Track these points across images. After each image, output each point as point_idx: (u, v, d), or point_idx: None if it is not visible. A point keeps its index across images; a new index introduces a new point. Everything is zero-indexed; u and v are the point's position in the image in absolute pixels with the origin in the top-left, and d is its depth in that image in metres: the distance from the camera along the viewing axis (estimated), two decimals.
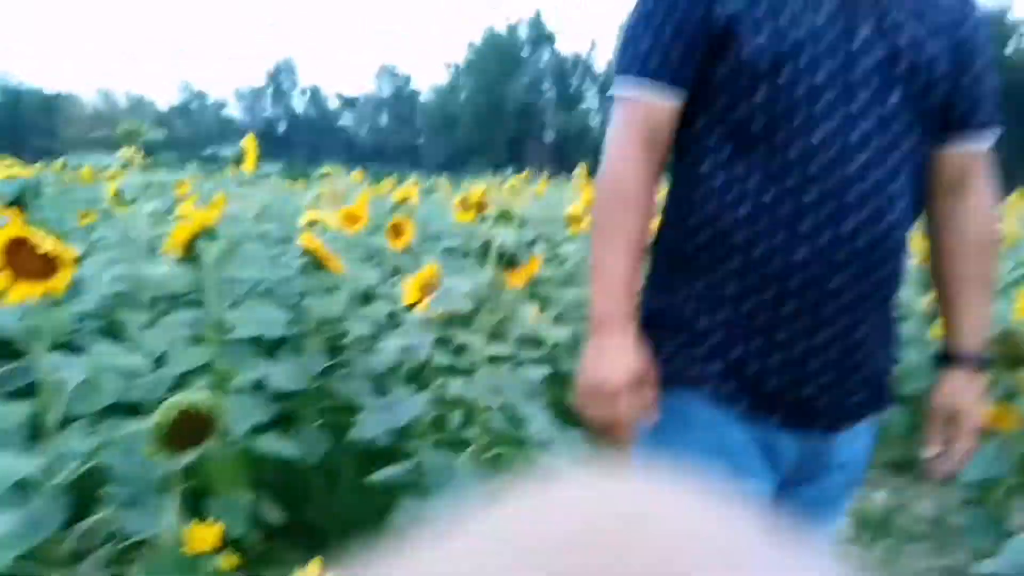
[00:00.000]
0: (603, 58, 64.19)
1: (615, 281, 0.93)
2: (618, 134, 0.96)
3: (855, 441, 1.00)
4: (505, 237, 1.26)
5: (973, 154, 1.00)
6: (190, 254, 1.37)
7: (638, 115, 0.94)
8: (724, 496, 0.14)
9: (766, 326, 0.91)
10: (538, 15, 65.65)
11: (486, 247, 1.30)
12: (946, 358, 1.04)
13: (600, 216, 0.97)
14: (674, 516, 0.13)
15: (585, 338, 0.99)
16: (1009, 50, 42.71)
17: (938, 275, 1.05)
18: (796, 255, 0.88)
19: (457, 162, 62.99)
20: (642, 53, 0.93)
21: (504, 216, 1.33)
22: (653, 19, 0.93)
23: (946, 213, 1.01)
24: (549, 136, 62.35)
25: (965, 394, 1.01)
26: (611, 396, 0.91)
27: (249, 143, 2.10)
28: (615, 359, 0.92)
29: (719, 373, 0.93)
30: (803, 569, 0.13)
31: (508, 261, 1.30)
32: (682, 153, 0.98)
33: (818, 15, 0.88)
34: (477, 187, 4.24)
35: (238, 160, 2.08)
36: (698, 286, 0.94)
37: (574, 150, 58.76)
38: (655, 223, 1.02)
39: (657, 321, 0.98)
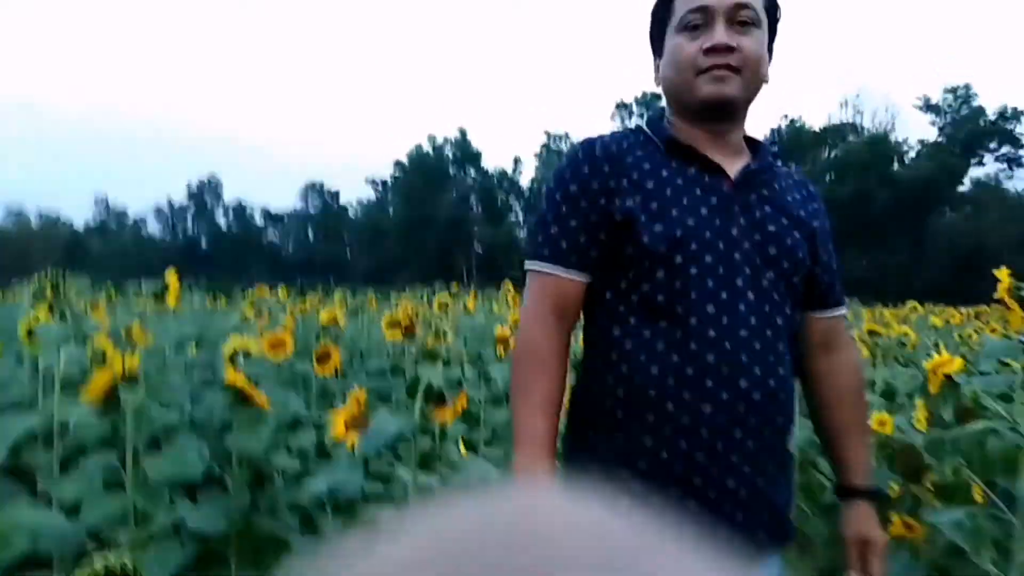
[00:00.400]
0: (527, 174, 67.08)
1: (535, 439, 1.01)
2: (531, 305, 1.08)
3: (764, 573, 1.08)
4: (432, 376, 1.29)
5: (838, 319, 1.20)
6: (109, 402, 1.34)
7: (549, 289, 1.07)
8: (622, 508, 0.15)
9: (682, 474, 1.00)
10: (463, 134, 68.52)
11: (414, 386, 1.32)
12: (845, 493, 1.18)
13: (518, 379, 1.06)
14: (560, 520, 0.14)
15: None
16: (894, 168, 46.98)
17: (823, 420, 1.20)
18: (703, 409, 0.99)
19: (385, 275, 63.25)
20: (551, 239, 1.08)
21: (431, 354, 1.37)
22: (560, 212, 1.08)
23: (820, 369, 1.18)
24: (477, 249, 63.61)
25: (869, 521, 1.14)
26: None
27: (171, 277, 2.09)
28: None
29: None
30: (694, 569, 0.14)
31: (436, 398, 1.33)
32: (595, 319, 1.10)
33: (701, 210, 1.04)
34: (405, 306, 4.28)
35: (159, 295, 2.06)
36: (618, 439, 1.03)
37: (501, 261, 60.06)
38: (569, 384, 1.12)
39: (581, 468, 1.06)
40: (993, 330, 4.60)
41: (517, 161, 68.11)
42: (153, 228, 77.57)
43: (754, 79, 1.07)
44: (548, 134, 64.59)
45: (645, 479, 1.00)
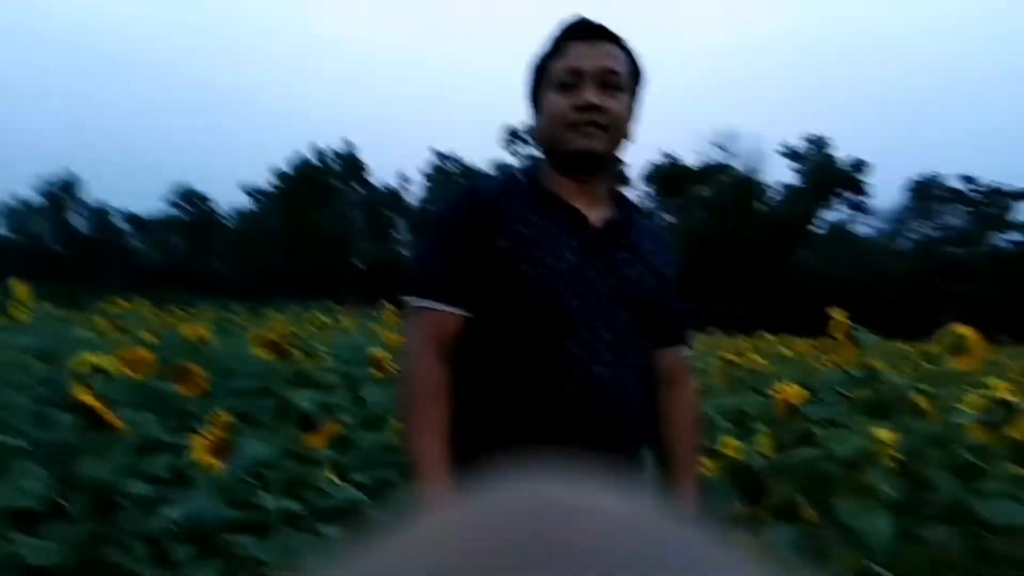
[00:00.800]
0: (414, 192, 66.60)
1: (431, 465, 1.10)
2: (414, 338, 1.17)
3: None
4: (304, 400, 1.28)
5: (683, 357, 1.33)
6: None
7: (430, 323, 1.16)
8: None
9: None
10: (349, 146, 67.26)
11: (284, 410, 1.30)
12: None
13: (409, 411, 1.14)
14: (608, 510, 0.15)
15: (391, 489, 1.05)
16: (759, 208, 50.60)
17: (659, 454, 1.31)
18: (569, 433, 1.11)
19: (260, 289, 60.55)
20: (432, 276, 1.18)
21: (304, 378, 1.35)
22: (440, 250, 1.19)
23: (661, 404, 1.30)
24: (358, 266, 62.32)
25: None
26: None
27: (18, 287, 1.94)
28: None
29: None
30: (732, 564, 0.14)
31: (307, 423, 1.31)
32: (473, 349, 1.18)
33: (565, 254, 1.16)
34: (279, 323, 4.15)
35: (2, 307, 1.90)
36: (498, 455, 1.11)
37: (384, 279, 59.14)
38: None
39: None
40: (832, 360, 5.05)
41: (405, 179, 67.50)
42: None
43: (619, 137, 1.20)
44: (437, 153, 64.59)
45: None
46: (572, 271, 1.14)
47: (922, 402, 2.58)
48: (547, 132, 1.21)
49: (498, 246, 1.14)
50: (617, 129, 1.19)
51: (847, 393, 2.14)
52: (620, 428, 1.14)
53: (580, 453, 1.10)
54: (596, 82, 1.16)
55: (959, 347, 2.60)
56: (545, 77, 1.21)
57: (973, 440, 2.10)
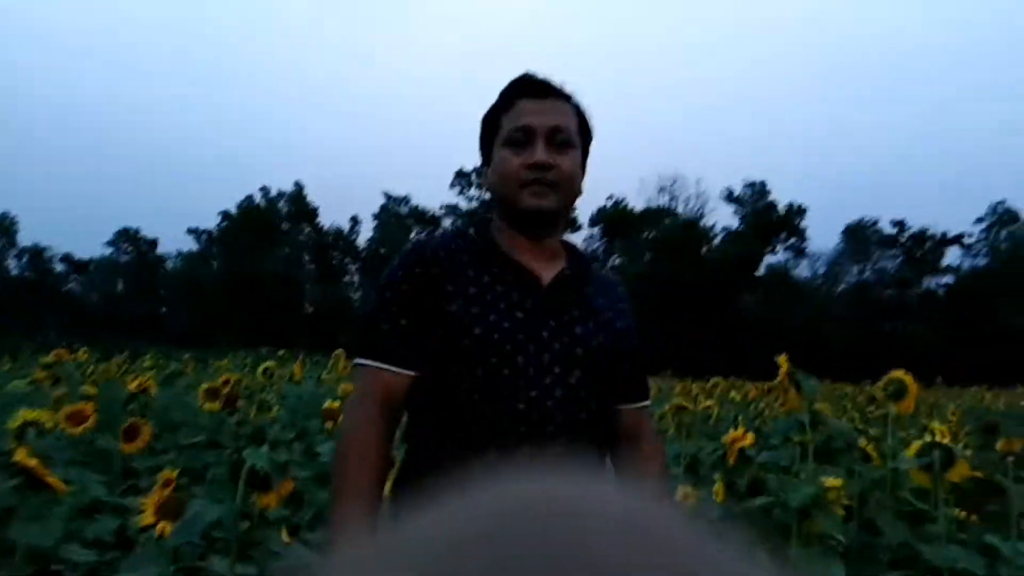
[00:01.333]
0: (364, 234, 66.18)
1: (353, 531, 1.06)
2: (357, 398, 1.16)
3: None
4: (257, 459, 1.26)
5: (645, 412, 1.32)
6: None
7: (376, 383, 1.15)
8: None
9: None
10: (300, 188, 66.67)
11: (236, 469, 1.27)
12: None
13: (340, 468, 1.12)
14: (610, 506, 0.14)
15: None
16: (703, 251, 51.97)
17: None
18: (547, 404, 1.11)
19: (205, 334, 58.85)
20: (381, 337, 1.17)
21: (256, 436, 1.33)
22: (391, 311, 1.17)
23: (627, 457, 1.29)
24: (308, 309, 61.26)
25: None
26: None
27: None
28: None
29: None
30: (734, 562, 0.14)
31: (261, 483, 1.29)
32: (422, 409, 1.18)
33: (516, 314, 1.15)
34: (227, 374, 4.04)
35: None
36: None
37: (334, 324, 58.23)
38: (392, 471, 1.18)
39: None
40: (782, 405, 5.18)
41: (355, 221, 67.01)
42: None
43: (569, 193, 1.22)
44: (388, 196, 64.42)
45: None
46: (522, 331, 1.14)
47: (868, 447, 2.66)
48: (499, 189, 1.22)
49: (449, 309, 1.14)
50: (568, 186, 1.20)
51: (796, 439, 2.19)
52: None
53: None
54: (545, 139, 1.17)
55: (898, 392, 2.70)
56: (496, 132, 1.22)
57: (917, 484, 2.17)
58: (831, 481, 1.86)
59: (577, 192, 1.24)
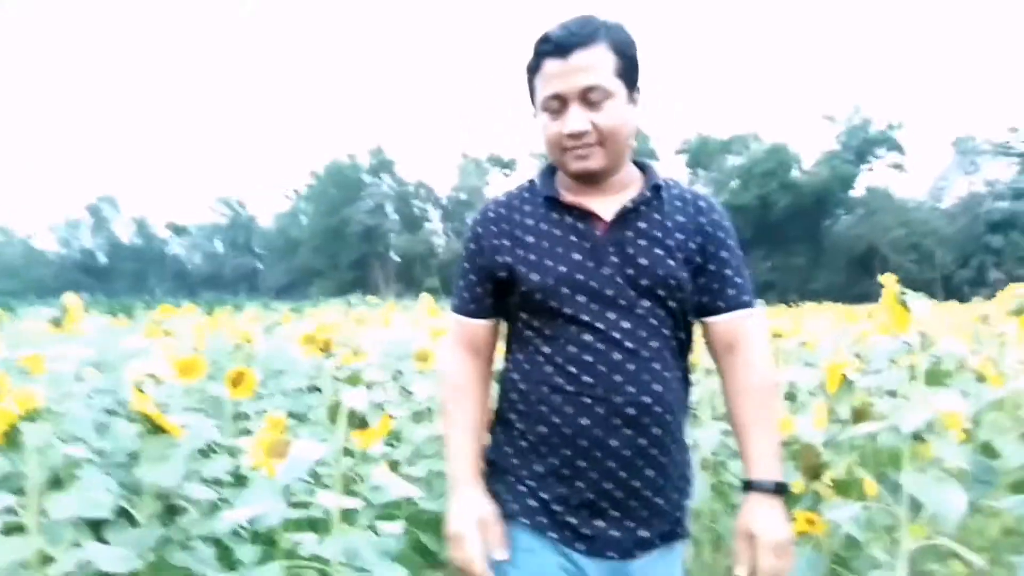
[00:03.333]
0: (443, 182, 66.63)
1: (459, 452, 1.26)
2: (449, 345, 1.36)
3: (654, 568, 1.22)
4: (354, 400, 1.29)
5: (737, 321, 1.29)
6: (10, 441, 1.26)
7: (461, 331, 1.34)
8: None
9: (568, 476, 1.19)
10: (381, 151, 67.50)
11: (335, 410, 1.31)
12: (745, 486, 1.26)
13: (443, 405, 1.32)
14: None
15: (442, 479, 1.13)
16: (793, 174, 49.47)
17: (731, 419, 1.31)
18: (581, 422, 1.18)
19: (299, 286, 61.42)
20: (459, 294, 1.34)
21: (351, 378, 1.36)
22: (464, 269, 1.34)
23: (726, 368, 1.30)
24: (394, 258, 62.71)
25: (760, 517, 1.21)
26: (463, 540, 1.19)
27: (70, 302, 1.99)
28: (464, 511, 1.21)
29: (535, 509, 1.21)
30: None
31: (358, 423, 1.32)
32: (508, 346, 1.34)
33: (574, 256, 1.22)
34: (322, 321, 4.20)
35: (57, 321, 1.95)
36: (521, 444, 1.25)
37: (419, 271, 59.49)
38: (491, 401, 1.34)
39: (497, 467, 1.28)
40: (884, 329, 4.93)
41: (434, 171, 67.45)
42: (46, 242, 72.57)
43: (615, 146, 1.22)
44: (465, 156, 64.19)
45: (539, 478, 1.22)
46: (581, 271, 1.20)
47: (983, 367, 2.50)
48: (548, 152, 1.27)
49: (505, 262, 1.25)
50: (612, 139, 1.21)
51: (904, 362, 2.08)
52: (645, 412, 1.18)
53: (602, 439, 1.17)
54: (580, 101, 1.18)
55: (1020, 308, 2.50)
56: (534, 94, 1.26)
57: None
58: (948, 407, 1.75)
59: (628, 134, 1.24)
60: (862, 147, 50.57)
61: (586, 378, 1.18)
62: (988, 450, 2.03)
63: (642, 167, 1.32)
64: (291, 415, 3.38)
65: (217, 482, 1.96)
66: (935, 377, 2.01)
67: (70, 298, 2.03)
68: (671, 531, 1.24)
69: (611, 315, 1.19)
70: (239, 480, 2.09)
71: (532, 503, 1.21)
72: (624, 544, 1.19)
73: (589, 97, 1.17)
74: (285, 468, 1.26)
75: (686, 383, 1.30)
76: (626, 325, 1.19)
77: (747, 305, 1.30)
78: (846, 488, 1.86)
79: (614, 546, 1.19)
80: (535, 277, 1.21)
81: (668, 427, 1.21)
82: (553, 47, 1.18)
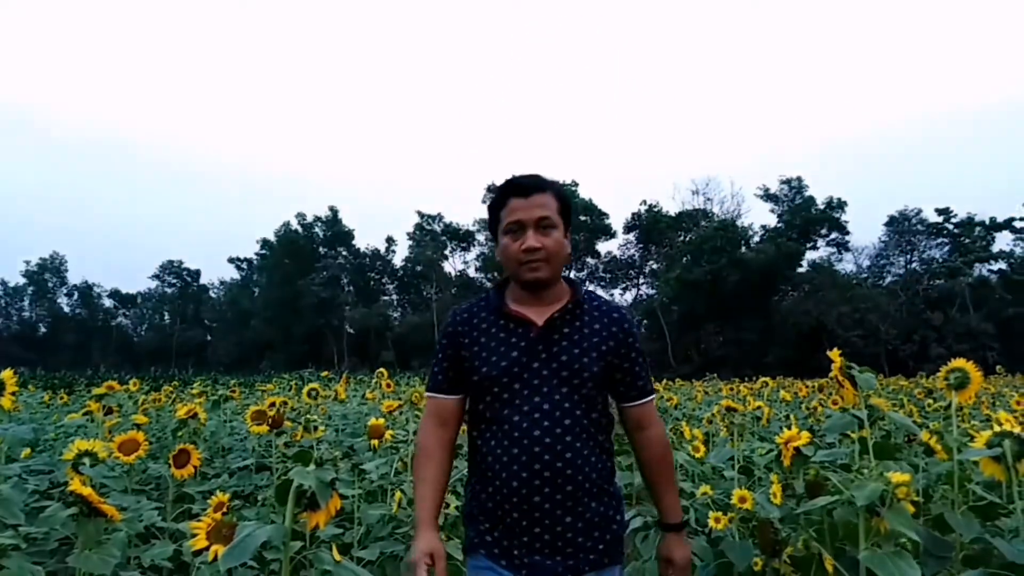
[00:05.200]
0: (400, 254, 66.61)
1: (423, 501, 1.64)
2: (424, 419, 1.76)
3: None
4: (304, 478, 1.24)
5: (645, 406, 1.74)
6: None
7: (433, 406, 1.74)
8: None
9: (509, 523, 1.59)
10: (335, 213, 67.46)
11: (284, 489, 1.26)
12: (661, 527, 1.77)
13: (415, 464, 1.72)
14: None
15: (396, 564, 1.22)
16: (741, 251, 50.97)
17: (644, 478, 1.80)
18: (513, 483, 1.57)
19: (250, 360, 59.80)
20: (433, 375, 1.74)
21: (303, 457, 1.32)
22: (438, 357, 1.75)
23: (637, 440, 1.77)
24: (348, 330, 61.80)
25: (674, 546, 1.73)
26: (419, 567, 1.51)
27: (7, 377, 1.90)
28: (423, 546, 1.56)
29: (491, 543, 1.62)
30: None
31: (308, 503, 1.27)
32: (468, 421, 1.75)
33: (512, 353, 1.63)
34: (272, 397, 4.08)
35: None
36: (481, 496, 1.66)
37: (375, 344, 58.65)
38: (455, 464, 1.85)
39: (467, 515, 1.72)
40: (835, 402, 5.02)
41: (390, 240, 67.43)
42: None
43: (557, 261, 1.66)
44: (421, 214, 64.55)
45: (489, 521, 1.63)
46: (517, 364, 1.62)
47: (931, 440, 2.55)
48: (505, 265, 1.69)
49: (465, 356, 1.68)
50: (555, 257, 1.65)
51: (855, 435, 2.11)
52: (560, 474, 1.56)
53: (529, 496, 1.55)
54: (534, 227, 1.63)
55: (960, 381, 2.58)
56: (498, 223, 1.70)
57: (987, 476, 2.07)
58: (898, 476, 1.77)
59: (564, 256, 1.68)
60: (804, 225, 52.59)
61: (515, 449, 1.57)
62: (940, 524, 2.05)
63: (571, 283, 1.75)
64: (237, 495, 3.24)
65: (157, 569, 1.85)
66: (885, 451, 2.04)
67: (6, 373, 1.94)
68: (598, 560, 1.60)
69: (537, 399, 1.59)
70: (181, 568, 1.97)
71: (489, 539, 1.63)
72: (557, 569, 1.57)
73: (541, 223, 1.63)
74: (229, 553, 1.19)
75: (604, 450, 1.67)
76: (546, 407, 1.58)
77: (651, 393, 1.75)
78: (805, 565, 1.85)
79: (550, 572, 1.56)
80: (484, 369, 1.63)
81: (581, 484, 1.58)
82: (519, 190, 1.65)
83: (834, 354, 1.96)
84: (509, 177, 1.71)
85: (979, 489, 2.21)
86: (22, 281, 70.87)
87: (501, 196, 1.70)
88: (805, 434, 2.44)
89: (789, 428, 2.66)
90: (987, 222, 50.05)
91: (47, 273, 71.09)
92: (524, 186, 1.66)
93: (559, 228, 1.67)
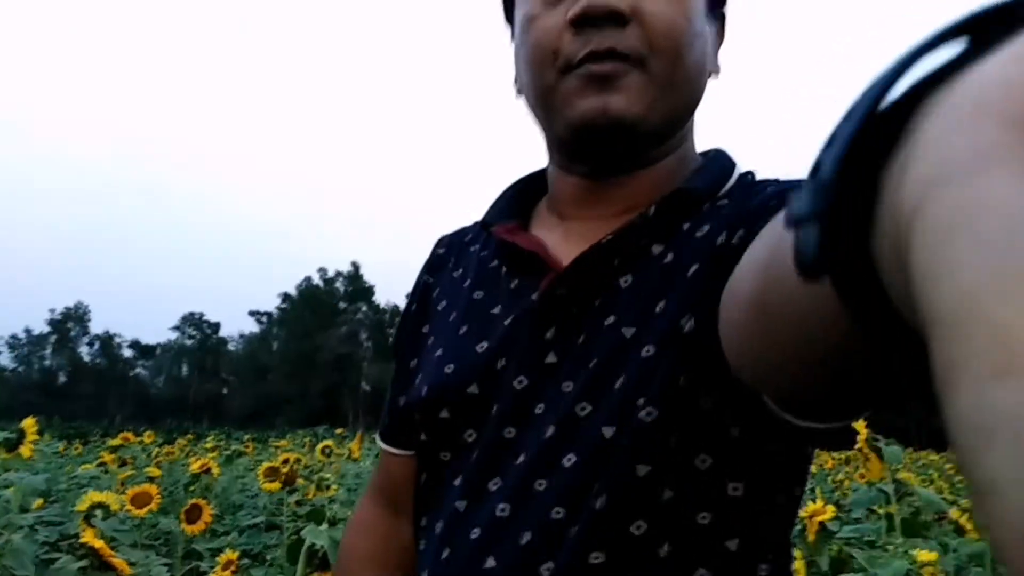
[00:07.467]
0: None
1: None
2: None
3: None
4: (317, 537, 1.23)
5: None
6: None
7: (381, 465, 0.75)
8: None
9: None
10: (356, 268, 68.12)
11: (295, 549, 1.24)
12: None
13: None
14: None
15: None
16: None
17: None
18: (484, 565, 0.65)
19: (266, 414, 59.65)
20: (383, 416, 0.75)
21: (316, 516, 1.30)
22: (393, 379, 0.75)
23: None
24: (365, 387, 61.68)
25: None
26: None
27: (28, 426, 1.91)
28: None
29: None
30: None
31: (319, 564, 1.25)
32: None
33: (478, 347, 0.63)
34: (285, 454, 4.06)
35: (11, 445, 1.86)
36: None
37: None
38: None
39: None
40: (861, 475, 4.88)
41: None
42: (4, 359, 70.52)
43: (674, 69, 0.54)
44: None
45: None
46: (481, 377, 0.58)
47: (961, 519, 2.47)
48: (528, 88, 0.59)
49: (410, 366, 0.68)
50: (670, 50, 0.53)
51: (881, 510, 2.05)
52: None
53: None
54: None
55: None
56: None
57: None
58: (924, 555, 1.71)
59: (695, 60, 0.55)
60: None
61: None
62: None
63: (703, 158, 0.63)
64: (246, 554, 3.19)
65: None
66: (913, 528, 1.98)
67: (28, 422, 1.95)
68: None
69: (521, 460, 0.71)
70: None
71: None
72: None
73: None
74: None
75: None
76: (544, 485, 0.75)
77: None
78: None
79: None
80: (422, 437, 0.66)
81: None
82: None
83: (859, 426, 1.93)
84: None
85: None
86: (47, 329, 71.87)
87: None
88: (831, 508, 2.37)
89: (814, 501, 2.58)
90: None
91: (70, 322, 72.10)
92: None
93: None
